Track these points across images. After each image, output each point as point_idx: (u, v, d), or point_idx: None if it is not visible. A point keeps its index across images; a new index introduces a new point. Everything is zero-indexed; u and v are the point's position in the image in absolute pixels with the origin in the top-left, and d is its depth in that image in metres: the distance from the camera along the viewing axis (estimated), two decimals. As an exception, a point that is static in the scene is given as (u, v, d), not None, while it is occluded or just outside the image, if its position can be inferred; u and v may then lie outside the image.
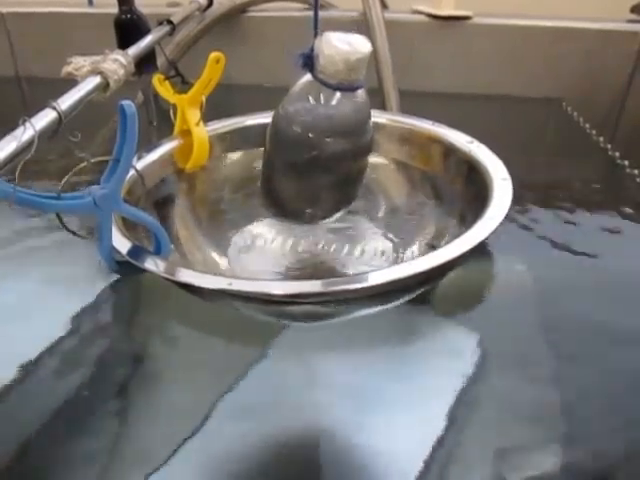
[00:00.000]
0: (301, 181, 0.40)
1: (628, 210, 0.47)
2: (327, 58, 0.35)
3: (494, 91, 0.73)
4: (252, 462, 0.27)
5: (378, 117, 0.51)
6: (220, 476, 0.26)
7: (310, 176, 0.39)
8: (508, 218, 0.37)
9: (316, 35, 0.37)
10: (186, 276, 0.32)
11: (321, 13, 0.75)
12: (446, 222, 0.44)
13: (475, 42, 0.72)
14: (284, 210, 0.43)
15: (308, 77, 0.36)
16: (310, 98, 0.36)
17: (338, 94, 0.36)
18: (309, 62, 0.36)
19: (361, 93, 0.37)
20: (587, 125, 0.64)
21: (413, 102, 0.62)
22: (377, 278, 0.32)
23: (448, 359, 0.33)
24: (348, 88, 0.36)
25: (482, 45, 0.72)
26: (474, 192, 0.42)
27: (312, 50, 0.36)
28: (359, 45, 0.35)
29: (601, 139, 0.61)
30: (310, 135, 0.37)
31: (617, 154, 0.57)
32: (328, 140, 0.37)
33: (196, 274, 0.33)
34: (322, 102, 0.36)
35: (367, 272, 0.33)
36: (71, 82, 0.40)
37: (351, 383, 0.31)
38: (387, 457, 0.27)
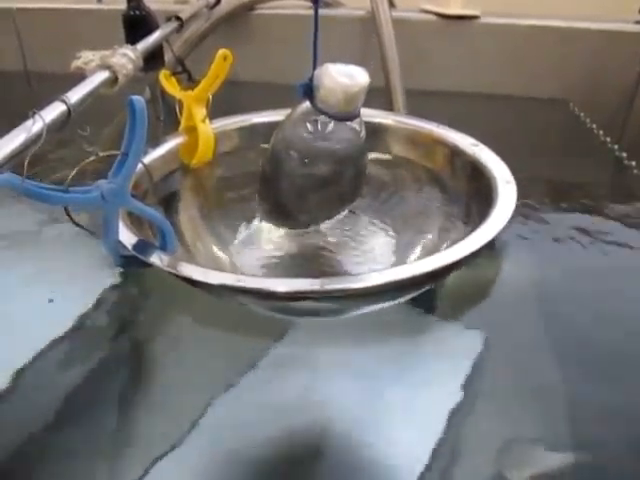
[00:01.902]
0: (296, 198, 0.41)
1: (635, 211, 0.47)
2: (327, 90, 0.36)
3: (501, 91, 0.73)
4: (252, 458, 0.27)
5: (383, 118, 0.51)
6: (220, 471, 0.26)
7: (305, 194, 0.40)
8: (514, 218, 0.37)
9: (315, 51, 0.38)
10: (192, 272, 0.32)
11: (329, 11, 0.75)
12: (450, 223, 0.44)
13: (483, 41, 0.72)
14: (279, 217, 0.44)
15: (307, 104, 0.38)
16: (308, 125, 0.38)
17: (336, 122, 0.37)
18: (309, 92, 0.37)
19: (357, 121, 0.38)
20: (594, 126, 0.64)
21: (420, 101, 0.62)
22: (379, 278, 0.32)
23: (450, 357, 0.33)
24: (346, 118, 0.37)
25: (490, 44, 0.72)
26: (478, 195, 0.42)
27: (311, 80, 0.37)
28: (358, 77, 0.36)
29: (608, 140, 0.60)
30: (306, 161, 0.38)
31: (624, 155, 0.57)
32: (324, 166, 0.38)
33: (202, 270, 0.33)
34: (319, 129, 0.37)
35: (370, 272, 0.33)
36: (79, 78, 0.40)
37: (354, 379, 0.31)
38: (389, 455, 0.27)
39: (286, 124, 0.39)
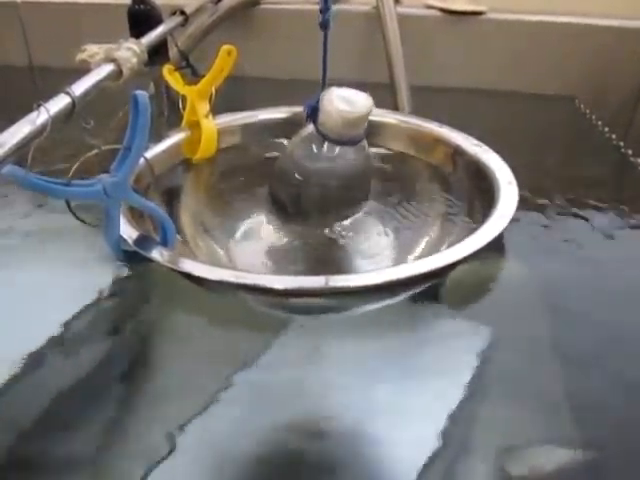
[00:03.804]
0: (301, 209, 0.42)
1: None
2: (326, 115, 0.37)
3: (506, 87, 0.72)
4: (251, 455, 0.27)
5: (386, 117, 0.51)
6: (219, 468, 0.26)
7: (310, 207, 0.42)
8: (518, 215, 0.37)
9: (325, 74, 0.38)
10: (192, 268, 0.33)
11: (333, 7, 0.75)
12: (451, 223, 0.44)
13: (488, 38, 0.72)
14: (289, 224, 0.45)
15: (312, 125, 0.39)
16: (314, 146, 0.38)
17: (338, 145, 0.38)
18: (313, 114, 0.38)
19: (361, 144, 0.38)
20: (599, 123, 0.64)
21: (425, 97, 0.62)
22: (378, 278, 0.32)
23: (454, 352, 0.33)
24: (347, 142, 0.37)
25: (495, 41, 0.72)
26: (480, 195, 0.42)
27: (317, 102, 0.37)
28: (359, 104, 0.37)
29: (614, 137, 0.60)
30: (311, 182, 0.40)
31: (630, 152, 0.56)
32: (328, 187, 0.40)
33: (203, 266, 0.33)
34: (324, 151, 0.39)
35: (370, 271, 0.33)
36: (84, 73, 0.40)
37: (355, 375, 0.31)
38: (390, 452, 0.27)
39: (293, 144, 0.40)
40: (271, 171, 0.44)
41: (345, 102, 0.36)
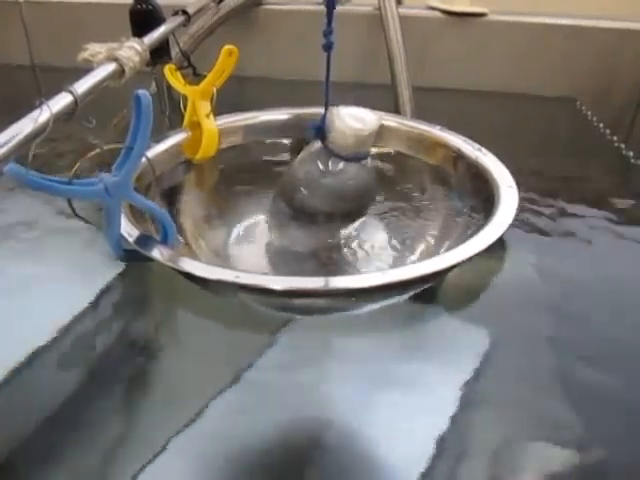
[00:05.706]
0: (305, 219, 0.43)
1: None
2: (339, 133, 0.38)
3: (508, 89, 0.73)
4: (252, 455, 0.27)
5: (387, 120, 0.51)
6: (220, 467, 0.26)
7: (313, 218, 0.42)
8: (518, 217, 0.37)
9: (327, 93, 0.39)
10: (192, 267, 0.33)
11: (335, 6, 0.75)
12: (451, 226, 0.44)
13: (490, 39, 0.72)
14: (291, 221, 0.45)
15: (319, 143, 0.40)
16: (319, 163, 0.39)
17: (345, 163, 0.39)
18: (320, 133, 0.38)
19: (366, 161, 0.39)
20: (601, 125, 0.64)
21: (426, 99, 0.62)
22: (378, 279, 0.32)
23: (452, 353, 0.33)
24: (355, 159, 0.38)
25: (497, 42, 0.72)
26: (480, 199, 0.42)
27: (324, 121, 0.39)
28: (369, 121, 0.38)
29: (615, 138, 0.60)
30: (315, 199, 0.41)
31: (631, 154, 0.57)
32: (333, 202, 0.41)
33: (202, 265, 0.33)
34: (330, 168, 0.40)
35: (370, 272, 0.33)
36: (86, 72, 0.40)
37: (353, 376, 0.31)
38: (390, 453, 0.27)
39: (298, 161, 0.41)
40: (273, 175, 0.45)
41: (356, 120, 0.37)
